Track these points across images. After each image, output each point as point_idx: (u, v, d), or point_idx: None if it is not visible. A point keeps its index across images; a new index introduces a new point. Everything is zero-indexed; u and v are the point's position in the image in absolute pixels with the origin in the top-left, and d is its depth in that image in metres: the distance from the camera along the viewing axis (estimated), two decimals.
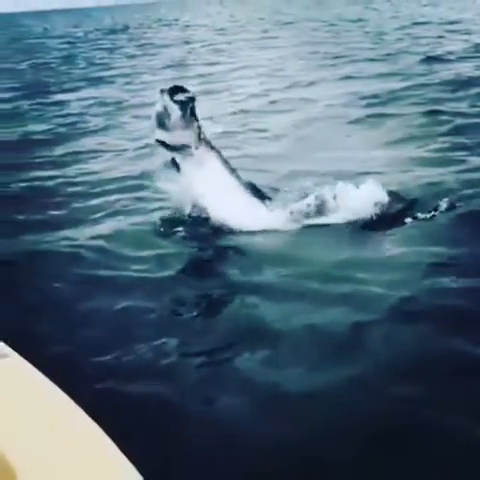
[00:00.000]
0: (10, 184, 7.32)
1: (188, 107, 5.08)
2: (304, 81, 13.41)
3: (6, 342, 1.88)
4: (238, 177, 5.41)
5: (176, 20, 49.09)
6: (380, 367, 3.39)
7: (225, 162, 5.38)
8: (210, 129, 8.78)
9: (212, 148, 5.33)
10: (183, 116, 5.07)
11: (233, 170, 5.41)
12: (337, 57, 16.99)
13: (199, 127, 5.19)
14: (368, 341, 3.64)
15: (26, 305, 4.29)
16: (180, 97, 5.07)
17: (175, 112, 5.07)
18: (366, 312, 3.92)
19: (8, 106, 13.33)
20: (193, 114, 5.14)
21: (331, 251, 4.93)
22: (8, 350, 1.80)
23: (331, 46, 19.86)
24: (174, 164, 5.33)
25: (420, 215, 5.35)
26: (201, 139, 5.22)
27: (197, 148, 5.20)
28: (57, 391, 1.51)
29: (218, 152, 5.35)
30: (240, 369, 3.48)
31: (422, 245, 4.92)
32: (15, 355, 1.72)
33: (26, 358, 1.74)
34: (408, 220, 5.31)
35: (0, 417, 1.42)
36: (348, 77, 13.53)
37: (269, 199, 5.44)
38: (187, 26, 39.38)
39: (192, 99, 5.13)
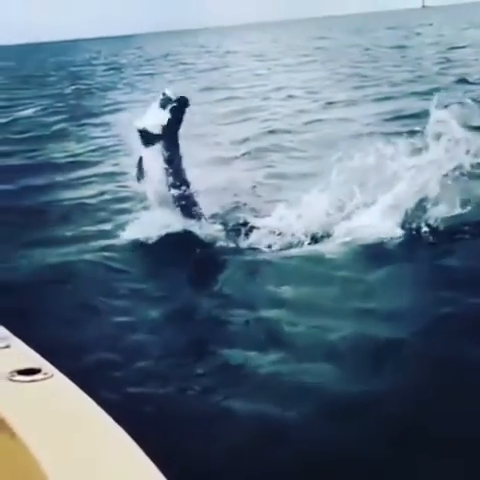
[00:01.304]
0: (57, 202, 7.63)
1: (168, 103, 5.53)
2: (341, 101, 13.55)
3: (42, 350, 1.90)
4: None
5: (217, 47, 49.79)
6: (409, 377, 3.48)
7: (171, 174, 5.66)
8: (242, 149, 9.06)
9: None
10: (161, 107, 5.54)
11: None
12: (374, 79, 17.14)
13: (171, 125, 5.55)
14: (397, 354, 3.70)
15: (68, 314, 4.53)
16: (168, 97, 5.56)
17: (155, 105, 5.61)
18: (398, 328, 3.99)
19: (55, 128, 13.83)
20: (173, 113, 5.54)
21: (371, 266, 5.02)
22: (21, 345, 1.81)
23: (369, 69, 20.01)
24: (139, 169, 5.75)
25: (468, 231, 5.28)
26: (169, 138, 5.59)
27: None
28: (101, 413, 1.50)
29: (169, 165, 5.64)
30: (274, 378, 3.58)
31: (465, 261, 4.93)
32: (48, 366, 1.69)
33: (65, 366, 1.78)
34: (453, 237, 5.24)
35: (42, 435, 1.42)
36: (386, 98, 13.65)
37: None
38: (227, 52, 39.95)
39: (178, 102, 5.55)
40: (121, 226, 6.17)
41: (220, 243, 5.59)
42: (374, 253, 5.15)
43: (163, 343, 4.15)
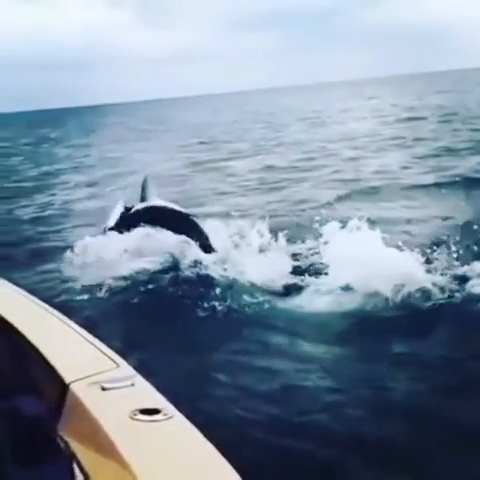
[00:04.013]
0: None
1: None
2: (456, 153, 13.56)
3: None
4: None
5: (338, 101, 49.37)
6: None
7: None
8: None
9: None
10: None
11: None
12: None
13: None
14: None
15: None
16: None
17: None
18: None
19: (177, 173, 14.67)
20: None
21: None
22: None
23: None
24: None
25: None
26: None
27: None
28: (218, 456, 1.49)
29: None
30: None
31: None
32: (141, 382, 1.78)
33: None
34: None
35: (159, 475, 1.46)
36: None
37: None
38: (343, 110, 39.75)
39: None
40: None
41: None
42: None
43: None
